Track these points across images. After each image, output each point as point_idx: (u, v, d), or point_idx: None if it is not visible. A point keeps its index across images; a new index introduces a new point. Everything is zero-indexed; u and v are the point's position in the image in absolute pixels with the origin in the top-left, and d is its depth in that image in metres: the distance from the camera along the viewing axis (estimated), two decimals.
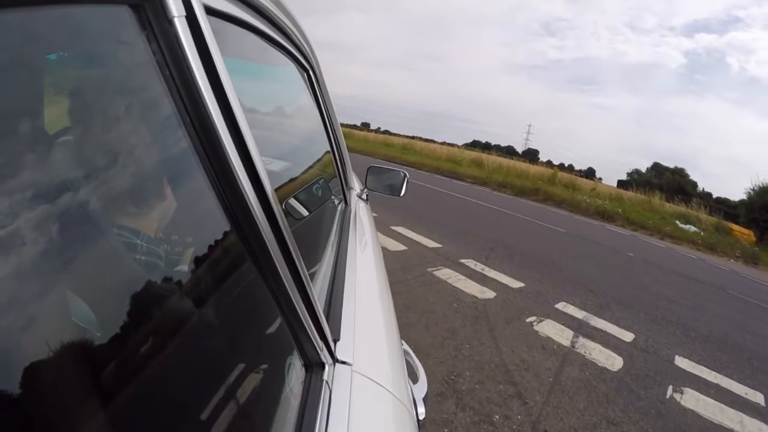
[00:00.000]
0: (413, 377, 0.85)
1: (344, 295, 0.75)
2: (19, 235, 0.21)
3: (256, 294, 0.44)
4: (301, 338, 0.49)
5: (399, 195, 1.73)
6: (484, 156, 18.39)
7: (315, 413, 0.45)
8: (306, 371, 0.51)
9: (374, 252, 1.25)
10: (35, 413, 0.20)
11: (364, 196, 1.76)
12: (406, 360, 0.83)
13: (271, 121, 1.16)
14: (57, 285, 0.23)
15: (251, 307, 0.45)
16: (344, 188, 1.48)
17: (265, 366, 0.47)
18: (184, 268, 0.36)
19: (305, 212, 0.79)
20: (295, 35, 0.87)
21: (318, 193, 0.90)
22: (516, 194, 12.13)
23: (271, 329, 0.48)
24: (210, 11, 0.36)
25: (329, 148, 1.34)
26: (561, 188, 13.46)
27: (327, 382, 0.50)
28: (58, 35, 0.25)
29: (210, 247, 0.37)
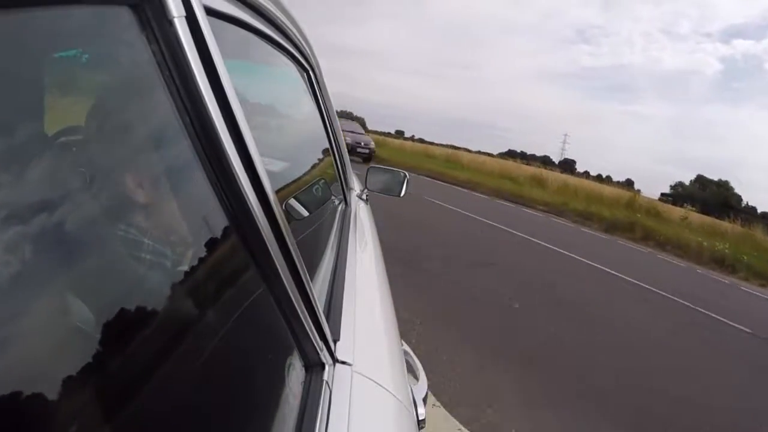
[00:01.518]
0: (413, 377, 0.85)
1: (344, 295, 0.75)
2: (18, 236, 0.21)
3: (256, 294, 0.44)
4: (301, 338, 0.49)
5: (399, 195, 1.73)
6: (545, 172, 15.82)
7: (315, 414, 0.45)
8: (306, 372, 0.51)
9: (374, 252, 1.25)
10: (36, 414, 0.20)
11: (364, 197, 1.77)
12: (406, 360, 0.83)
13: (272, 122, 1.16)
14: (57, 286, 0.23)
15: (251, 307, 0.45)
16: (344, 188, 1.48)
17: (265, 366, 0.47)
18: (184, 268, 0.36)
19: (305, 212, 0.79)
20: (296, 36, 0.87)
21: (318, 194, 0.90)
22: (606, 230, 9.34)
23: (271, 329, 0.48)
24: (210, 12, 0.36)
25: (329, 149, 1.34)
26: (653, 219, 10.61)
27: (327, 382, 0.50)
28: (58, 35, 0.25)
29: (210, 247, 0.37)
